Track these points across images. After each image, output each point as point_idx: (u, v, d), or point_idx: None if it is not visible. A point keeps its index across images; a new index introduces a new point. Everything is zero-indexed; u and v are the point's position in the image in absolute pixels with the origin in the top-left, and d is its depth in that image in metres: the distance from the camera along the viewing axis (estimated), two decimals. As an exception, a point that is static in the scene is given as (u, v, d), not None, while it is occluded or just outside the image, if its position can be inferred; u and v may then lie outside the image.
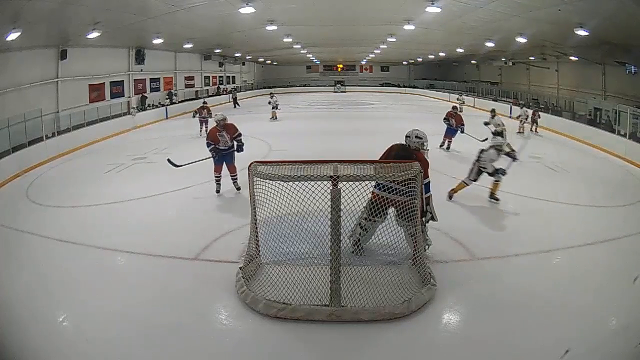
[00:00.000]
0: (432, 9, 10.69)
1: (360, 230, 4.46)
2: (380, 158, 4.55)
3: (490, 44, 16.20)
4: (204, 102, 14.10)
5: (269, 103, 16.80)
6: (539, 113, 14.15)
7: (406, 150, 4.60)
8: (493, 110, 11.51)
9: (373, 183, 4.23)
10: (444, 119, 10.53)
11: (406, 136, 4.77)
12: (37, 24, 9.27)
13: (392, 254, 4.30)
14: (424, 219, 4.41)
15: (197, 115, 13.17)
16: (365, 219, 4.38)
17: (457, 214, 6.09)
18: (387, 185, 4.19)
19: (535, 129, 13.60)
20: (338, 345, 3.26)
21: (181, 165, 7.09)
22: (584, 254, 4.81)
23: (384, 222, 4.32)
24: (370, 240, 4.53)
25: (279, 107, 16.76)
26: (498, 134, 9.97)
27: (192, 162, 7.21)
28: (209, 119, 12.71)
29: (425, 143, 4.80)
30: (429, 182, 4.39)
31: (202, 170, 8.65)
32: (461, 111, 18.62)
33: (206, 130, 12.05)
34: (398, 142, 4.74)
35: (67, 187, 7.80)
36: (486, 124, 11.10)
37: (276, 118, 16.42)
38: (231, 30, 15.48)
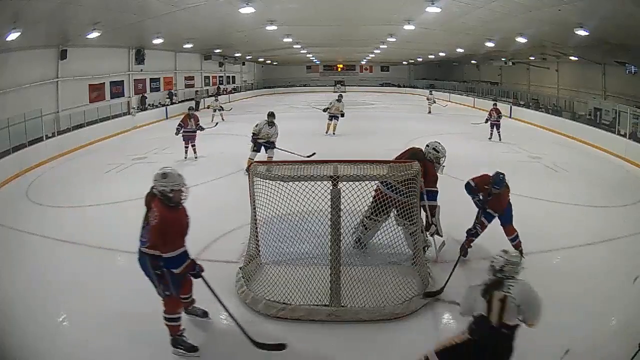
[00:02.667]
0: (432, 9, 10.68)
1: (362, 228, 4.47)
2: (396, 157, 4.58)
3: (490, 44, 16.19)
4: (190, 109, 10.04)
5: (208, 107, 16.94)
6: (497, 110, 12.01)
7: (420, 155, 4.53)
8: (340, 96, 12.87)
9: (373, 183, 4.24)
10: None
11: (426, 145, 4.71)
12: (37, 24, 9.26)
13: (392, 254, 4.30)
14: (427, 232, 4.37)
15: (182, 129, 9.48)
16: (368, 217, 4.38)
17: (457, 214, 6.08)
18: (391, 184, 4.19)
19: (498, 133, 11.88)
20: (338, 345, 3.26)
21: None
22: (584, 254, 4.81)
23: (386, 222, 4.32)
24: (372, 239, 4.53)
25: (223, 109, 16.98)
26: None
27: None
28: (196, 135, 9.72)
29: (441, 159, 4.65)
30: (436, 192, 4.40)
31: (202, 170, 8.67)
32: (429, 112, 18.42)
33: (194, 151, 9.75)
34: (418, 147, 4.72)
35: (67, 187, 7.80)
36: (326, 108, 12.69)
37: (222, 119, 16.23)
38: (231, 30, 15.47)
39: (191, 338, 3.32)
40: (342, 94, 13.48)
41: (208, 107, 17.32)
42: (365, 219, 4.42)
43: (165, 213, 3.04)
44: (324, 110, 12.66)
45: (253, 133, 8.18)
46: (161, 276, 3.12)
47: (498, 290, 2.35)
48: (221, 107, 17.06)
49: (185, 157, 9.76)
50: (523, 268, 2.62)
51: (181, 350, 3.17)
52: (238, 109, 18.00)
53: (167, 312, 3.20)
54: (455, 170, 8.07)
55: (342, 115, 12.45)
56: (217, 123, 11.77)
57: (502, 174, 4.47)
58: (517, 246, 4.60)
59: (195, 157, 9.79)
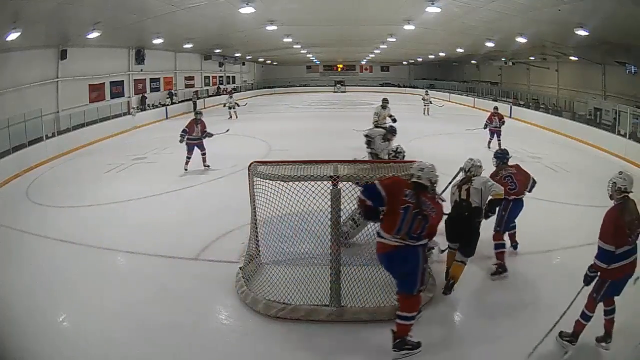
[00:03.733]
0: (432, 9, 10.68)
1: (351, 222, 4.47)
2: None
3: (490, 44, 16.18)
4: (197, 113, 8.72)
5: (224, 105, 17.46)
6: (499, 115, 10.44)
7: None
8: (385, 100, 10.21)
9: None
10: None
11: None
12: (37, 24, 9.26)
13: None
14: None
15: (186, 135, 8.39)
16: (359, 213, 4.36)
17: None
18: None
19: (499, 141, 10.16)
20: (338, 345, 3.26)
21: None
22: (584, 254, 4.77)
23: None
24: (361, 237, 4.49)
25: (239, 105, 17.62)
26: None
27: None
28: (202, 142, 8.57)
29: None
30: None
31: (202, 170, 8.66)
32: (426, 114, 17.71)
33: (204, 160, 8.65)
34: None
35: (67, 187, 7.81)
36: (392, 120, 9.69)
37: (236, 116, 16.94)
38: (231, 30, 15.47)
39: (190, 337, 3.32)
40: (386, 101, 10.23)
41: (224, 105, 17.70)
42: (357, 214, 4.39)
43: (437, 203, 3.15)
44: (375, 126, 9.19)
45: (369, 137, 7.04)
46: (424, 270, 3.14)
47: (466, 184, 3.82)
48: (236, 103, 17.45)
49: (186, 169, 8.45)
50: (483, 169, 4.02)
51: (405, 352, 3.01)
52: (239, 109, 18.06)
53: (409, 311, 3.02)
54: (455, 170, 8.10)
55: (394, 120, 9.83)
56: (228, 129, 10.07)
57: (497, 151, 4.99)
58: (497, 257, 4.25)
59: (207, 166, 8.66)
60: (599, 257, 2.98)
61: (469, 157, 4.05)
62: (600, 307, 3.08)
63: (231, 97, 17.75)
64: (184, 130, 8.43)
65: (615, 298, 3.16)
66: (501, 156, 4.75)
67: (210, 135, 8.72)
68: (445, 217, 3.55)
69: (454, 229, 3.78)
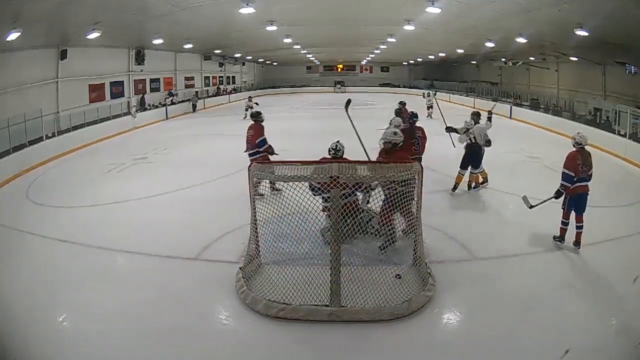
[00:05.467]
0: (432, 9, 10.69)
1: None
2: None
3: (490, 44, 16.19)
4: (250, 108, 6.53)
5: (248, 103, 17.71)
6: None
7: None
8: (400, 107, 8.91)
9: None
10: None
11: None
12: (37, 24, 9.27)
13: (392, 254, 4.30)
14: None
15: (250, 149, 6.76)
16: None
17: (457, 213, 6.09)
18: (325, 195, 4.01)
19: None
20: (338, 345, 3.26)
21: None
22: (584, 254, 4.81)
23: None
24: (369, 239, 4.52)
25: (258, 104, 17.61)
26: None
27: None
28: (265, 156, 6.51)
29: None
30: None
31: (201, 170, 8.67)
32: (429, 116, 15.92)
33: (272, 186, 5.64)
34: None
35: (67, 187, 7.81)
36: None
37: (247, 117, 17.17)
38: (231, 30, 15.49)
39: (190, 337, 3.32)
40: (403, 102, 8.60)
41: (246, 110, 17.79)
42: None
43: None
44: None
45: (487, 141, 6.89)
46: None
47: (471, 133, 6.65)
48: (256, 103, 17.68)
49: (262, 193, 5.30)
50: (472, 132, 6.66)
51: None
52: (238, 109, 18.08)
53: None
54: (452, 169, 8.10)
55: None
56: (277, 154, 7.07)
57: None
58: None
59: (277, 189, 5.41)
60: (564, 179, 4.91)
61: (476, 125, 6.81)
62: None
63: (251, 99, 18.11)
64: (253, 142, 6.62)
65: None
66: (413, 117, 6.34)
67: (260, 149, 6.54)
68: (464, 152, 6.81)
69: (470, 159, 6.68)
